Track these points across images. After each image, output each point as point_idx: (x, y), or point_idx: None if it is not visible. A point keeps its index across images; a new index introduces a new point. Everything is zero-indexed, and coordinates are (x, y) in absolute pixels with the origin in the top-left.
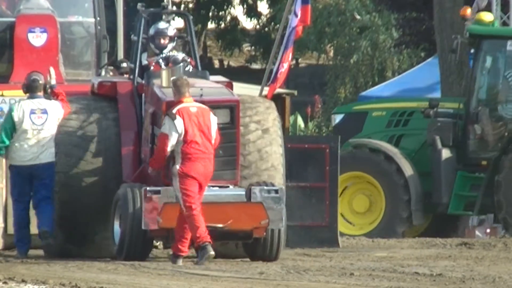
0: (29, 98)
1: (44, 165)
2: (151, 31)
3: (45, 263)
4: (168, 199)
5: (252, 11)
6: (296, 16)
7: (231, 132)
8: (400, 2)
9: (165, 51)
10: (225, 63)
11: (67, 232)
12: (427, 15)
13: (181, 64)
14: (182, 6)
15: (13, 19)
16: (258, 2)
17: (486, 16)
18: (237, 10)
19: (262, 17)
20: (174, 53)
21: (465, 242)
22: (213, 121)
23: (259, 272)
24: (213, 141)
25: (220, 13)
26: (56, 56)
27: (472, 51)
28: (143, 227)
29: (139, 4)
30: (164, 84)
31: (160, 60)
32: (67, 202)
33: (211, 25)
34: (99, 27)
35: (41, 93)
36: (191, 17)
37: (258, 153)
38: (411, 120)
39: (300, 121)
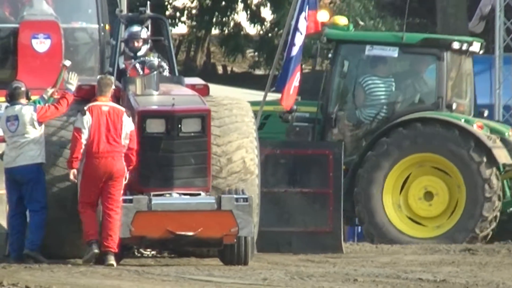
0: (10, 105)
1: (21, 168)
2: (125, 34)
3: (49, 269)
4: (140, 208)
5: (255, 17)
6: (306, 20)
7: (202, 141)
8: (403, 8)
9: (139, 53)
10: (229, 69)
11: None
12: (430, 21)
13: (156, 71)
14: (186, 12)
15: (16, 25)
16: (262, 8)
17: (341, 20)
18: (241, 16)
19: (266, 23)
20: (151, 57)
21: (468, 248)
22: (126, 122)
23: (262, 278)
24: (122, 141)
25: (224, 19)
26: (59, 62)
27: (329, 55)
28: None
29: (117, 9)
30: (138, 92)
31: (137, 65)
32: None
33: (214, 31)
34: (102, 33)
35: (22, 100)
36: (167, 21)
37: (231, 158)
38: (266, 124)
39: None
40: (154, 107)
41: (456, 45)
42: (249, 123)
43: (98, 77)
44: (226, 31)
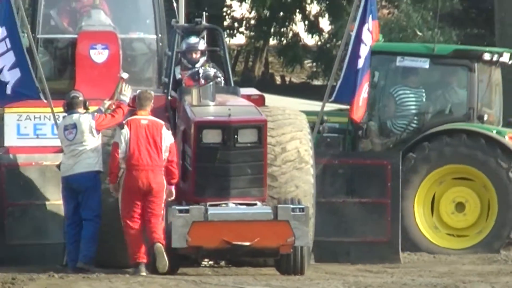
0: (68, 114)
1: (78, 175)
2: (183, 46)
3: (107, 279)
4: (197, 218)
5: (313, 28)
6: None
7: (258, 151)
8: (462, 19)
9: (197, 65)
10: (287, 79)
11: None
12: (488, 32)
13: (212, 81)
14: (244, 22)
15: (75, 36)
16: (320, 19)
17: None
18: (299, 27)
19: (324, 33)
20: (207, 68)
21: None
22: (166, 135)
23: None
24: (163, 155)
25: (282, 29)
26: (117, 72)
27: None
28: (172, 245)
29: (173, 20)
30: (194, 103)
31: (193, 75)
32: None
33: (272, 42)
34: (160, 44)
35: (79, 110)
36: (223, 32)
37: (288, 183)
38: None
39: None
40: (211, 118)
41: (487, 56)
42: (302, 121)
43: (138, 91)
44: (284, 42)
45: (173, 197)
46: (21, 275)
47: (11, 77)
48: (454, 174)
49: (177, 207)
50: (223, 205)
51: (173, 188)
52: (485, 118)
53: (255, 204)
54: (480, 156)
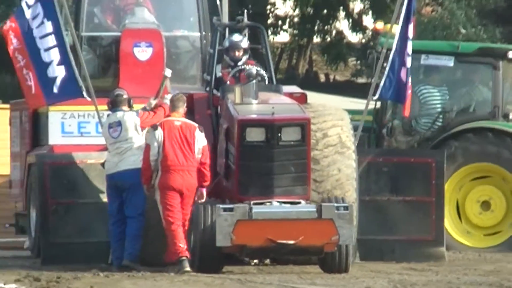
0: (112, 112)
1: (123, 172)
2: (226, 43)
3: (152, 277)
4: (241, 216)
5: (357, 25)
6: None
7: (302, 149)
8: (505, 16)
9: (239, 63)
10: (331, 77)
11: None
12: None
13: (255, 79)
14: (287, 20)
15: (118, 34)
16: (364, 16)
17: (394, 29)
18: (343, 24)
19: (367, 31)
20: (249, 66)
21: None
22: (199, 137)
23: (366, 287)
24: (196, 155)
25: (326, 27)
26: (161, 70)
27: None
28: (217, 244)
29: (214, 18)
30: (237, 101)
31: (235, 73)
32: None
33: (316, 39)
34: (204, 41)
35: (124, 107)
36: (265, 30)
37: (330, 167)
38: None
39: None
40: (254, 116)
41: (511, 54)
42: (343, 113)
43: (172, 95)
44: (328, 39)
45: (203, 200)
46: (66, 273)
47: (58, 73)
48: (475, 174)
49: (222, 206)
50: (267, 203)
51: (204, 191)
52: (510, 116)
53: (299, 203)
54: (506, 154)
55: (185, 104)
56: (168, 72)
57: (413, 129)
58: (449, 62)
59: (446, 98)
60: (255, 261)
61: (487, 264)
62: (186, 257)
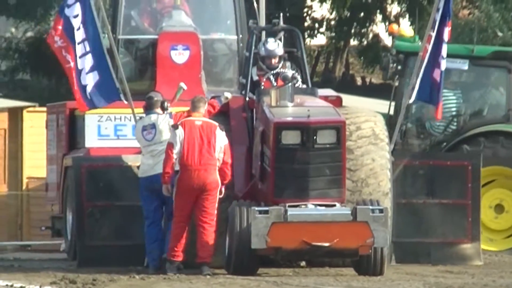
0: (146, 115)
1: (160, 175)
2: (262, 51)
3: (188, 280)
4: (276, 219)
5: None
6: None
7: (337, 152)
8: None
9: (276, 70)
10: (367, 80)
11: None
12: None
13: (290, 82)
14: (324, 23)
15: (155, 37)
16: (400, 19)
17: (407, 31)
18: (379, 27)
19: None
20: (285, 69)
21: None
22: (219, 135)
23: None
24: (216, 154)
25: (362, 30)
26: (198, 73)
27: (399, 67)
28: (252, 246)
29: (250, 21)
30: (273, 103)
31: (271, 77)
32: None
33: (353, 42)
34: (241, 44)
35: (157, 110)
36: (302, 33)
37: (364, 156)
38: None
39: None
40: (290, 119)
41: None
42: (376, 113)
43: (194, 97)
44: (365, 42)
45: (221, 195)
46: (101, 276)
47: (89, 80)
48: (487, 178)
49: (257, 208)
50: (302, 206)
51: (223, 188)
52: None
53: (334, 205)
54: None
55: (206, 105)
56: (183, 85)
57: (427, 132)
58: (464, 65)
59: (460, 101)
60: (303, 263)
61: None
62: (178, 260)
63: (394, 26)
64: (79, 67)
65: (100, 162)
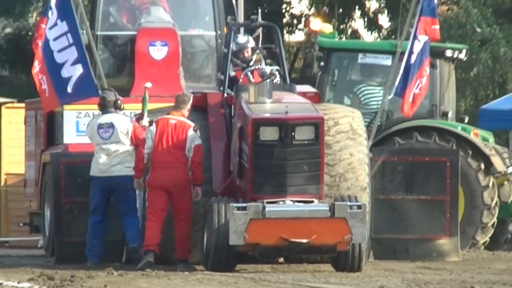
0: (102, 113)
1: (117, 178)
2: (233, 47)
3: (166, 276)
4: (254, 215)
5: (373, 24)
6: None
7: (315, 148)
8: None
9: (251, 63)
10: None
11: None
12: None
13: (268, 78)
14: (303, 19)
15: (134, 33)
16: (379, 15)
17: (326, 28)
18: (358, 23)
19: (383, 30)
20: (263, 65)
21: None
22: (191, 135)
23: (379, 286)
24: (186, 153)
25: (341, 26)
26: (176, 69)
27: (322, 63)
28: (230, 243)
29: (229, 17)
30: (251, 100)
31: (249, 73)
32: None
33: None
34: (219, 41)
35: (112, 109)
36: (278, 29)
37: (342, 151)
38: None
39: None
40: (268, 115)
41: (448, 53)
42: (354, 109)
43: (177, 94)
44: (344, 38)
45: (199, 198)
46: (79, 272)
47: (74, 72)
48: None
49: (235, 205)
50: (281, 202)
51: (199, 190)
52: (450, 115)
53: (312, 201)
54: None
55: (189, 104)
56: (148, 84)
57: None
58: (387, 60)
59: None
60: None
61: (501, 263)
62: (153, 250)
63: (314, 24)
64: (60, 61)
65: (78, 158)
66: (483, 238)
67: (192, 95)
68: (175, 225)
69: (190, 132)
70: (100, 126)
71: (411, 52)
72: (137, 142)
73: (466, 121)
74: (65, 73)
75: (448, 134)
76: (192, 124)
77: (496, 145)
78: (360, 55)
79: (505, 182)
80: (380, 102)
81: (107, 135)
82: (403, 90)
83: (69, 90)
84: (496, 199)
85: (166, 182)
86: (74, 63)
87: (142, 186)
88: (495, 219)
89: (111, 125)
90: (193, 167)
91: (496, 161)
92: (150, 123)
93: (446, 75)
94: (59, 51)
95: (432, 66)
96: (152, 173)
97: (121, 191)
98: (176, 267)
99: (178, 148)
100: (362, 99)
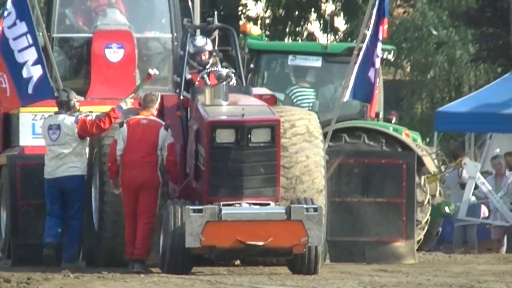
0: (54, 114)
1: (62, 179)
2: (191, 49)
3: (122, 279)
4: (210, 218)
5: (328, 27)
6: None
7: (271, 151)
8: (477, 18)
9: (207, 66)
10: None
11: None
12: (503, 31)
13: (225, 81)
14: (259, 22)
15: (90, 35)
16: (335, 18)
17: (253, 30)
18: (314, 26)
19: (339, 33)
20: (219, 68)
21: None
22: (162, 134)
23: None
24: (158, 152)
25: (297, 28)
26: (133, 71)
27: (252, 66)
28: (186, 245)
29: (185, 19)
30: (207, 102)
31: (205, 75)
32: (115, 212)
33: (288, 41)
34: (176, 43)
35: (63, 110)
36: (235, 32)
37: (299, 153)
38: None
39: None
40: (224, 117)
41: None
42: (312, 113)
43: (144, 94)
44: (300, 41)
45: (177, 195)
46: (36, 274)
47: (34, 73)
48: None
49: (191, 207)
50: (237, 205)
51: (176, 187)
52: (381, 115)
53: (269, 204)
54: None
55: (157, 104)
56: (154, 71)
57: None
58: (317, 62)
59: (315, 98)
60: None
61: (457, 266)
62: (136, 258)
63: (247, 26)
64: (21, 61)
65: (34, 161)
66: (418, 235)
67: (159, 94)
68: (138, 225)
69: (162, 131)
70: (50, 127)
71: (376, 55)
72: (82, 134)
73: (393, 121)
74: (25, 73)
75: (380, 134)
76: (163, 123)
77: (424, 146)
78: (290, 57)
79: (435, 183)
80: (311, 104)
81: (55, 136)
82: (371, 95)
83: (30, 91)
84: (428, 197)
85: (134, 182)
86: (34, 63)
87: (119, 186)
88: (428, 217)
89: (58, 127)
90: (168, 166)
91: (428, 161)
92: (121, 124)
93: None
94: (20, 51)
95: None
96: (122, 173)
97: (68, 192)
98: (130, 267)
99: (149, 147)
100: (294, 100)
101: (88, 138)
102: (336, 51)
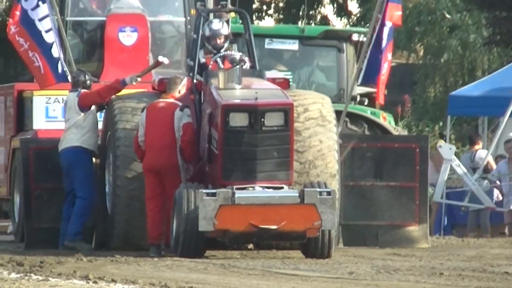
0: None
1: (62, 152)
2: (206, 32)
3: (135, 262)
4: (223, 201)
5: (342, 10)
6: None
7: (285, 135)
8: (490, 1)
9: (222, 50)
10: None
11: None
12: None
13: (238, 64)
14: (272, 5)
15: (103, 19)
16: (348, 1)
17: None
18: (327, 9)
19: (352, 16)
20: (232, 52)
21: None
22: (178, 115)
23: (348, 272)
24: (176, 134)
25: (311, 12)
26: (146, 55)
27: None
28: (199, 229)
29: (198, 3)
30: (221, 86)
31: (218, 59)
32: (128, 196)
33: (301, 24)
34: (189, 26)
35: (79, 88)
36: (248, 15)
37: (312, 138)
38: None
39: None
40: (237, 101)
41: (355, 37)
42: (324, 95)
43: (171, 77)
44: (313, 24)
45: (190, 176)
46: (49, 258)
47: (60, 54)
48: None
49: (204, 191)
50: (250, 188)
51: (191, 167)
52: (358, 99)
53: (282, 188)
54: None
55: (180, 86)
56: (164, 60)
57: None
58: (294, 45)
59: (291, 81)
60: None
61: (470, 250)
62: (155, 243)
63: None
64: (49, 41)
65: (48, 144)
66: None
67: (185, 76)
68: (165, 208)
69: (177, 112)
70: (65, 104)
71: (381, 38)
72: (82, 104)
73: (365, 103)
74: (54, 52)
75: (360, 118)
76: (180, 104)
77: (401, 129)
78: (267, 40)
79: None
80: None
81: (64, 114)
82: (376, 77)
83: (59, 70)
84: None
85: (152, 165)
86: (58, 45)
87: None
88: None
89: (65, 104)
90: (183, 146)
91: None
92: (142, 109)
93: (352, 59)
94: (47, 31)
95: (339, 50)
96: (145, 157)
97: (67, 166)
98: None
99: (166, 130)
100: None
101: (93, 113)
102: (313, 34)
